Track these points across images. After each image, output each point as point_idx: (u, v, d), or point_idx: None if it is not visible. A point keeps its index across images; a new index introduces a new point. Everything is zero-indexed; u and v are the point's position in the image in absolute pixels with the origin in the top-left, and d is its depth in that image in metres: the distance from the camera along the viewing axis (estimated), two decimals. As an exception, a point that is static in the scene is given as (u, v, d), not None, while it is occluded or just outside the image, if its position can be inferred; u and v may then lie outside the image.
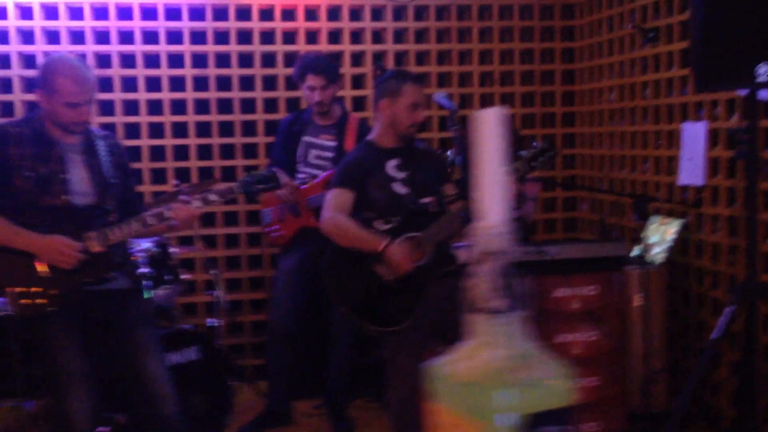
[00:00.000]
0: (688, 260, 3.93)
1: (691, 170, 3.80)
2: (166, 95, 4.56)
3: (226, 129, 4.66)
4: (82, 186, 2.74)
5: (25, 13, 4.42)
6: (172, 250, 3.71)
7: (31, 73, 4.29)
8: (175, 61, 4.57)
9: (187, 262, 4.52)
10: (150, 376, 2.80)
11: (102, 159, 2.81)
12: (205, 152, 4.64)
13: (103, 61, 4.49)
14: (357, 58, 4.77)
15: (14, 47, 4.39)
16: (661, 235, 3.91)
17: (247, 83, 4.66)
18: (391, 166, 3.09)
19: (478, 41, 4.86)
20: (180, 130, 4.61)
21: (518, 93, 4.92)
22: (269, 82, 4.69)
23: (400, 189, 3.08)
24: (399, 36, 4.80)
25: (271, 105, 4.70)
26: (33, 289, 2.67)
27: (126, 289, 2.87)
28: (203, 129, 4.63)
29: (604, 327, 3.48)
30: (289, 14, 4.68)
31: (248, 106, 4.67)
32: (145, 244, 3.58)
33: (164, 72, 4.55)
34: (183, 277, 3.75)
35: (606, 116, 4.66)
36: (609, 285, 3.50)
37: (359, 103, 4.77)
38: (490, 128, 0.94)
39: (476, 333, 0.94)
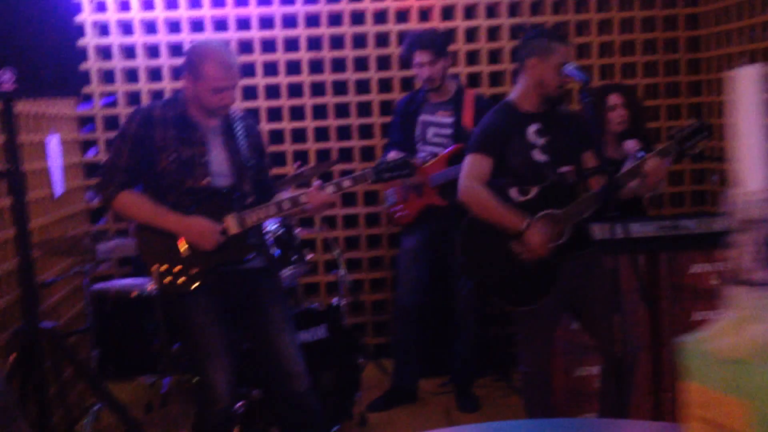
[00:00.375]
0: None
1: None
2: (283, 79, 4.62)
3: (342, 111, 4.68)
4: (221, 168, 2.79)
5: (171, 3, 4.57)
6: (296, 230, 3.75)
7: (179, 61, 4.44)
8: (291, 45, 4.62)
9: (309, 242, 4.59)
10: (284, 354, 2.84)
11: (240, 141, 2.85)
12: (322, 134, 4.68)
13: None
14: (471, 34, 4.70)
15: (162, 37, 4.55)
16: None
17: (361, 64, 4.66)
18: (531, 131, 2.91)
19: (596, 11, 4.70)
20: (297, 113, 4.66)
21: (640, 63, 4.73)
22: (383, 63, 4.68)
23: (539, 156, 2.90)
24: (514, 9, 4.70)
25: (385, 85, 4.70)
26: (176, 268, 2.75)
27: (261, 268, 2.92)
28: (319, 112, 4.67)
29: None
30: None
31: (363, 87, 4.68)
32: (271, 226, 3.63)
33: (281, 56, 4.61)
34: (307, 257, 3.79)
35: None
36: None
37: (474, 80, 4.70)
38: (748, 88, 0.88)
39: (737, 307, 0.89)
